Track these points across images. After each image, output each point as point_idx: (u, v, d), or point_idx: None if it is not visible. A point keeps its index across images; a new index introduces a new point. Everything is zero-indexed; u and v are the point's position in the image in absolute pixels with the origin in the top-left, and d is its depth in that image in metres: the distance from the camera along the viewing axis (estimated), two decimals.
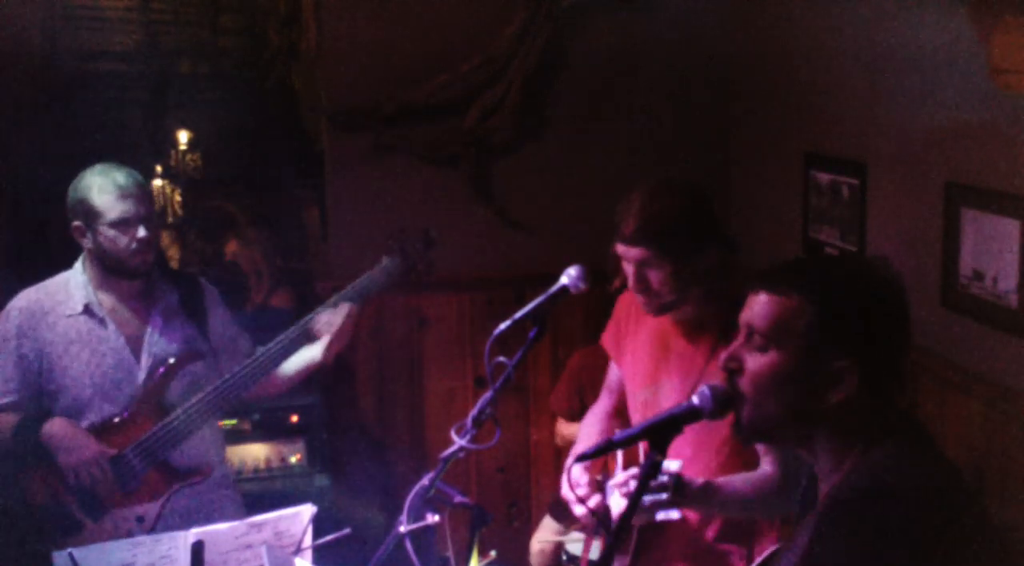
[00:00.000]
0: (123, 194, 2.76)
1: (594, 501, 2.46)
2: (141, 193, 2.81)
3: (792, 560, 1.59)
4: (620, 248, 2.38)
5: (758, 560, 1.90)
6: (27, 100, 5.38)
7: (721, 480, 2.35)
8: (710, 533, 2.48)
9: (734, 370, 1.65)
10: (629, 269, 2.39)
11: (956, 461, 1.66)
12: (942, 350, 2.96)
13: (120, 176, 2.79)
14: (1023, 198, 2.62)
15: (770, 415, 1.62)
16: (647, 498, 2.25)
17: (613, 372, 2.78)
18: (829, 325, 1.57)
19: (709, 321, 2.43)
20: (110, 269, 2.83)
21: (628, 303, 2.67)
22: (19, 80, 5.22)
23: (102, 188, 2.76)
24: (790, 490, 2.19)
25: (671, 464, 2.28)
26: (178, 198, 7.07)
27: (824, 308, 1.57)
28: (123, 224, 2.76)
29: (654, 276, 2.36)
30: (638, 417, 2.60)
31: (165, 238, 6.69)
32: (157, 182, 7.02)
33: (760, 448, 2.35)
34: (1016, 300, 2.67)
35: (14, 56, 5.14)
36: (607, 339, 2.75)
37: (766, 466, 2.35)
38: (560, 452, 4.31)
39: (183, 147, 7.60)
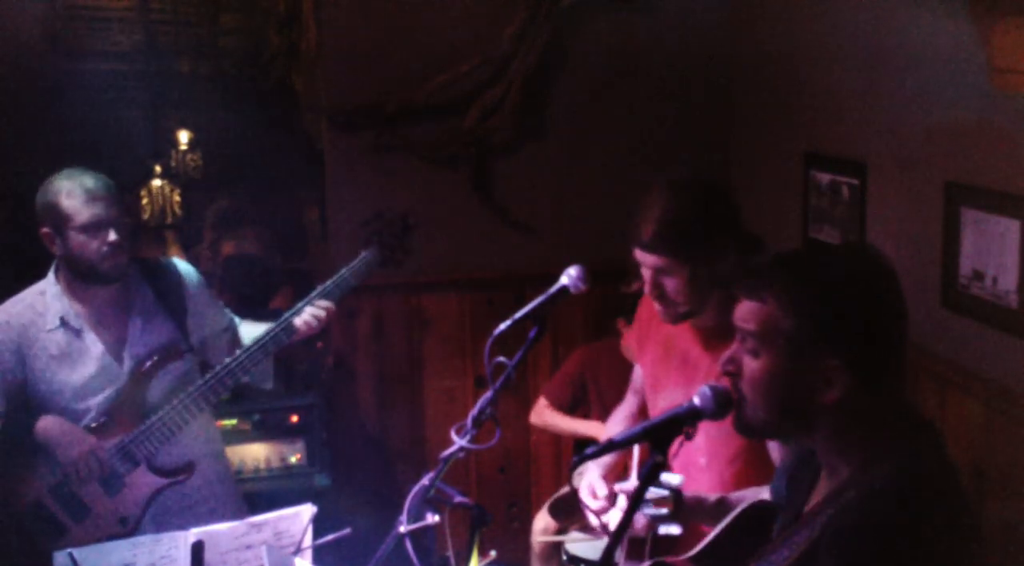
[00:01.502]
0: (91, 198, 2.71)
1: (609, 515, 2.44)
2: (110, 196, 2.75)
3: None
4: (637, 254, 2.33)
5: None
6: (27, 100, 5.38)
7: (734, 496, 2.32)
8: None
9: (733, 373, 1.65)
10: (646, 274, 2.34)
11: (959, 470, 1.64)
12: (942, 350, 2.96)
13: (88, 180, 2.74)
14: (1023, 198, 2.62)
15: (766, 416, 1.62)
16: (648, 511, 2.24)
17: (637, 373, 2.74)
18: (809, 328, 1.56)
19: (728, 329, 2.38)
20: (82, 275, 2.79)
21: (651, 304, 2.64)
22: (19, 80, 5.22)
23: (70, 192, 2.71)
24: None
25: (672, 479, 2.25)
26: (178, 198, 7.07)
27: (801, 311, 1.56)
28: (93, 228, 2.72)
29: (670, 283, 2.31)
30: None
31: (166, 238, 6.69)
32: (157, 182, 7.02)
33: (777, 461, 2.32)
34: (1016, 300, 2.67)
35: (14, 56, 5.14)
36: (631, 339, 2.72)
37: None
38: (560, 452, 4.31)
39: (183, 147, 7.60)
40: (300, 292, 5.16)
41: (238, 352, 2.84)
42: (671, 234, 2.27)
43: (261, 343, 2.82)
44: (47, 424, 2.75)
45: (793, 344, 1.57)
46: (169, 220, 6.98)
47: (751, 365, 1.62)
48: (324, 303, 2.85)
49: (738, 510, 2.03)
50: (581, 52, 4.20)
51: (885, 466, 1.55)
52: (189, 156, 7.58)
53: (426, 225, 4.09)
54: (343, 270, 2.90)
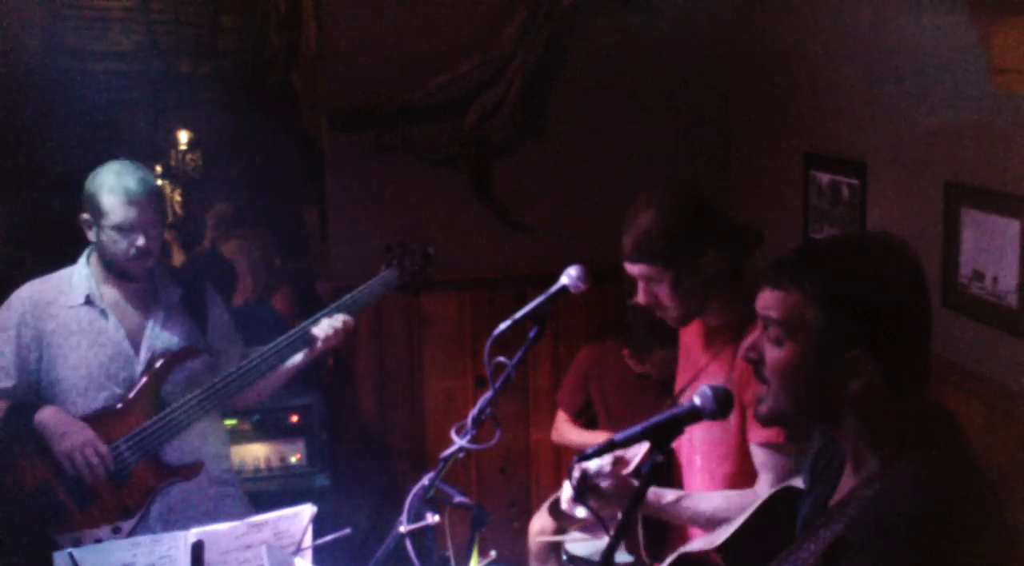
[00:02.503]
0: (130, 200, 2.79)
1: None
2: (149, 201, 2.84)
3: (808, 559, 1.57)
4: (626, 267, 2.41)
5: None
6: (27, 100, 5.38)
7: (697, 495, 2.36)
8: None
9: (755, 361, 1.65)
10: (639, 286, 2.41)
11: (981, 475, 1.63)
12: (942, 350, 2.96)
13: (132, 181, 2.82)
14: (1023, 198, 2.62)
15: (788, 405, 1.63)
16: (566, 497, 2.34)
17: None
18: (835, 318, 1.56)
19: (726, 327, 2.43)
20: (109, 267, 2.88)
21: None
22: (19, 80, 5.22)
23: (112, 189, 2.80)
24: None
25: (590, 464, 2.29)
26: (178, 198, 7.08)
27: (828, 302, 1.56)
28: (125, 229, 2.80)
29: (660, 291, 2.37)
30: None
31: (166, 237, 6.71)
32: (157, 182, 7.02)
33: (759, 466, 2.34)
34: (1016, 300, 2.67)
35: (14, 56, 5.14)
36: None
37: (760, 486, 2.33)
38: (560, 452, 4.31)
39: (183, 147, 7.61)
40: (300, 292, 5.18)
41: (252, 356, 2.89)
42: (647, 242, 2.33)
43: (277, 348, 2.90)
44: (45, 415, 2.78)
45: (818, 334, 1.57)
46: (169, 220, 6.99)
47: (774, 353, 1.62)
48: (342, 316, 2.90)
49: (765, 498, 2.04)
50: (581, 52, 4.20)
51: (912, 461, 1.55)
52: (189, 156, 7.59)
53: (426, 225, 4.11)
54: (362, 286, 2.99)
